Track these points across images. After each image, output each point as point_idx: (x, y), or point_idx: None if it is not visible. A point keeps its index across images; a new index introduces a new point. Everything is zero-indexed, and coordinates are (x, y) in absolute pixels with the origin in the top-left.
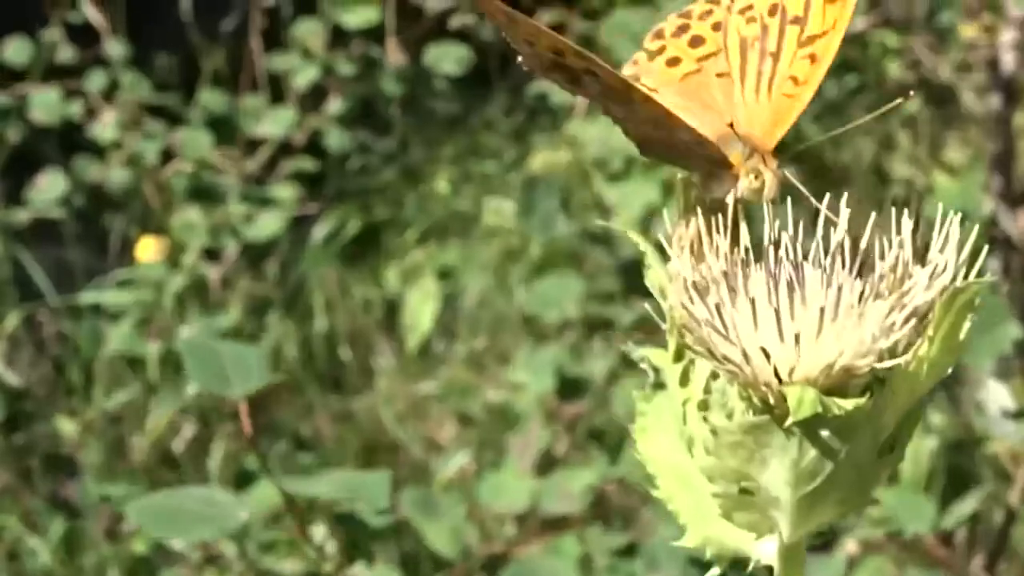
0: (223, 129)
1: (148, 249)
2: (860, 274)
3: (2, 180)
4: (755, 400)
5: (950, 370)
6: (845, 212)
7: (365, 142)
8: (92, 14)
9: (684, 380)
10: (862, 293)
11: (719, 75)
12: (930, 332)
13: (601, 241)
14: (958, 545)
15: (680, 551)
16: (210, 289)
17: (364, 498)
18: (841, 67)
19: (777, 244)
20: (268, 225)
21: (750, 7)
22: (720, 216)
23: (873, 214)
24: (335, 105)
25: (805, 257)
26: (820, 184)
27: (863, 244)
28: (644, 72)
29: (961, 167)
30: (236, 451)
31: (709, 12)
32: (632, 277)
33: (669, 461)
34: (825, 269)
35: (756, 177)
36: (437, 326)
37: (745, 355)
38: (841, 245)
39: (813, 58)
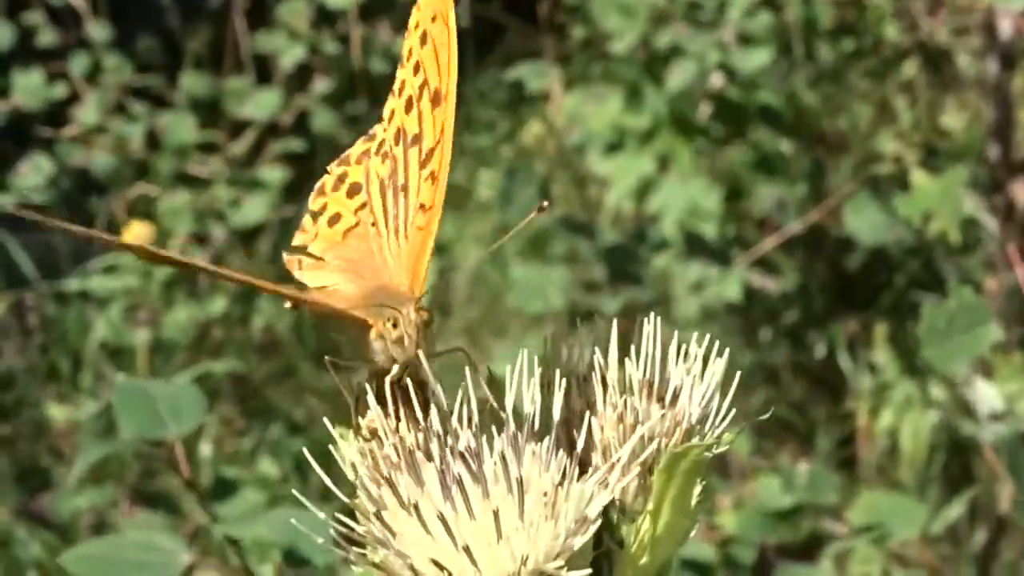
0: (208, 111)
1: (135, 234)
2: (570, 430)
3: None
4: None
5: (693, 532)
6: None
7: (354, 115)
8: None
9: None
10: (556, 480)
11: (373, 224)
12: (650, 506)
13: (583, 229)
14: (958, 525)
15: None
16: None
17: (305, 539)
18: (838, 31)
19: (448, 428)
20: (255, 209)
21: (382, 143)
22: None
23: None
24: (322, 85)
25: (494, 434)
26: (819, 151)
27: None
28: (311, 237)
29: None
30: (226, 436)
31: (366, 153)
32: (616, 264)
33: None
34: (508, 453)
35: (394, 326)
36: (431, 300)
37: (413, 569)
38: (535, 415)
39: (433, 178)
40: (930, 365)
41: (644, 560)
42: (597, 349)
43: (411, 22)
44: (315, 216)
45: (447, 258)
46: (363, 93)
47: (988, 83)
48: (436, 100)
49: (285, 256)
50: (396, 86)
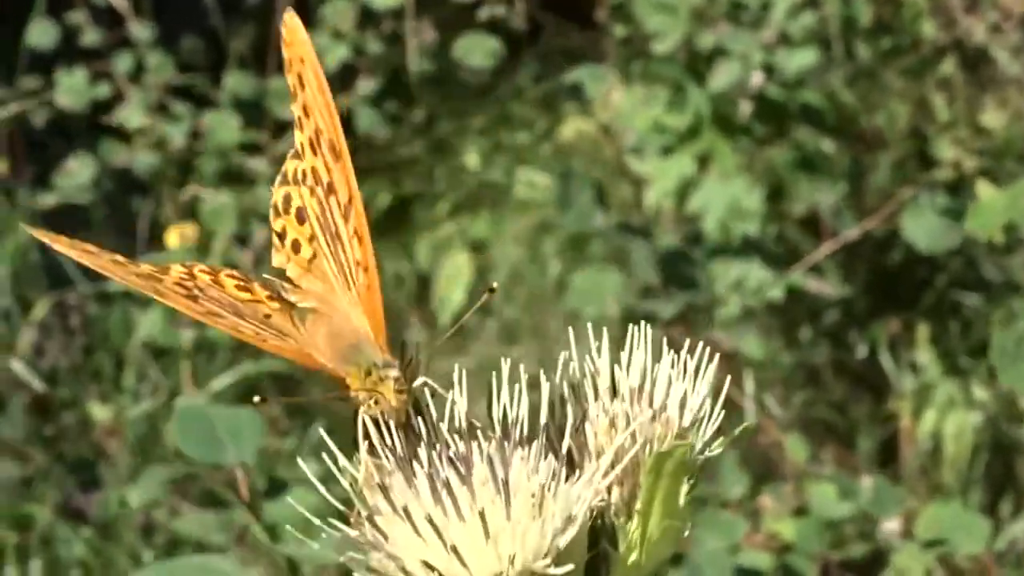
0: (251, 111)
1: (177, 235)
2: (561, 437)
3: (29, 164)
4: None
5: (686, 533)
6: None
7: (394, 114)
8: None
9: None
10: (543, 482)
11: (326, 259)
12: (639, 507)
13: (640, 232)
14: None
15: (726, 561)
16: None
17: None
18: (876, 29)
19: (438, 438)
20: None
21: (305, 174)
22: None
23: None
24: (365, 85)
25: (484, 439)
26: (857, 150)
27: (545, 411)
28: (283, 260)
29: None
30: (270, 435)
31: (296, 171)
32: (672, 268)
33: None
34: (496, 456)
35: (376, 402)
36: (469, 299)
37: (405, 571)
38: (523, 421)
39: (359, 237)
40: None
41: (636, 561)
42: (590, 355)
43: (285, 55)
44: (280, 238)
45: (484, 257)
46: (409, 93)
47: None
48: (335, 153)
49: (265, 277)
50: (296, 119)
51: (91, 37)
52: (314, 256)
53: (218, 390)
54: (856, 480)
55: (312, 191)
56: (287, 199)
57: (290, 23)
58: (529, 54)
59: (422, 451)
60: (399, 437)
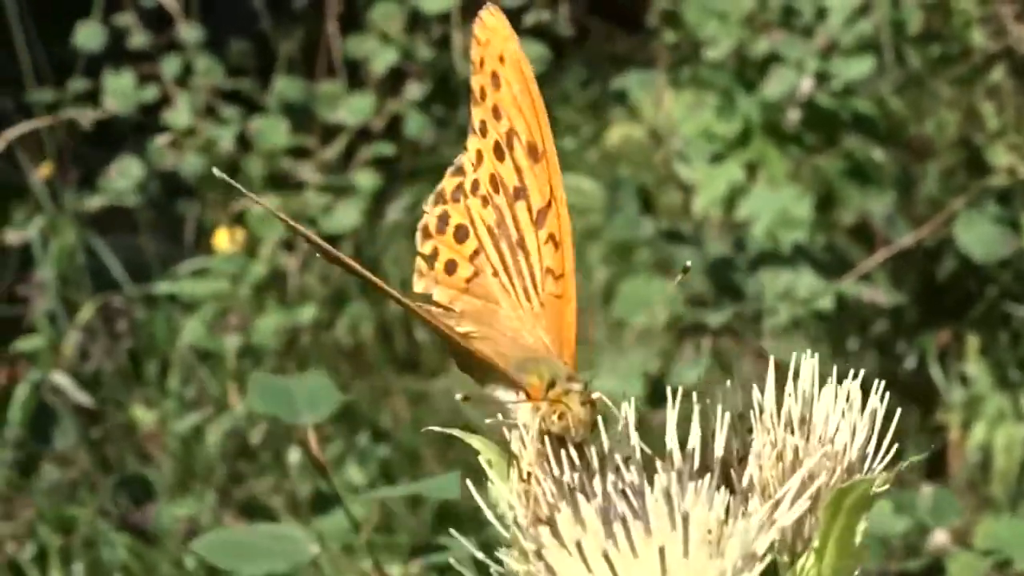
0: (299, 116)
1: (225, 239)
2: (728, 473)
3: (76, 166)
4: None
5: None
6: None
7: (441, 118)
8: None
9: None
10: (721, 517)
11: (495, 275)
12: (815, 544)
13: (689, 240)
14: None
15: None
16: (288, 279)
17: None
18: (925, 37)
19: (607, 466)
20: (347, 215)
21: (476, 184)
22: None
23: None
24: (414, 90)
25: (654, 470)
26: (905, 158)
27: (722, 444)
28: (431, 283)
29: None
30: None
31: (459, 190)
32: (723, 277)
33: None
34: (673, 488)
35: (559, 417)
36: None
37: None
38: (695, 449)
39: (554, 242)
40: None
41: None
42: (754, 386)
43: (474, 56)
44: (428, 260)
45: None
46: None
47: None
48: (534, 155)
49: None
50: (475, 124)
51: (139, 39)
52: (475, 274)
53: None
54: (910, 493)
55: (486, 201)
56: (443, 218)
57: (489, 21)
58: (575, 59)
59: (595, 484)
60: (571, 462)
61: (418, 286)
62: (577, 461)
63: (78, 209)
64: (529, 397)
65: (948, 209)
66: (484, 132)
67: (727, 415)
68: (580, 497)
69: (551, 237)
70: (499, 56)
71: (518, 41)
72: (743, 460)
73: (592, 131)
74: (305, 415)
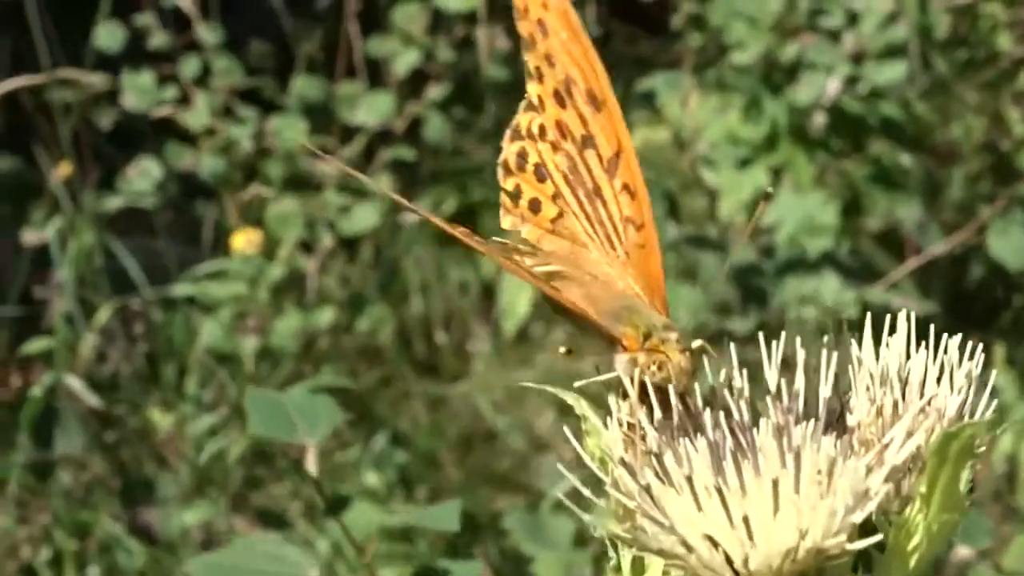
0: (319, 116)
1: (243, 241)
2: (830, 426)
3: (95, 166)
4: None
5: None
6: (802, 354)
7: (462, 120)
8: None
9: (639, 570)
10: (832, 454)
11: (576, 218)
12: (923, 489)
13: (712, 245)
14: None
15: None
16: (306, 281)
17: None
18: (952, 42)
19: (717, 404)
20: (365, 217)
21: (544, 129)
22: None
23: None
24: (436, 91)
25: (760, 414)
26: (932, 162)
27: (827, 389)
28: (518, 221)
29: None
30: (332, 447)
31: (531, 133)
32: (749, 284)
33: None
34: (782, 427)
35: (659, 367)
36: (535, 310)
37: (686, 545)
38: (800, 394)
39: (629, 192)
40: None
41: (916, 546)
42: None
43: (519, 5)
44: (512, 197)
45: None
46: (480, 99)
47: None
48: (595, 103)
49: (494, 240)
50: (531, 69)
51: (158, 40)
52: (560, 215)
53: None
54: None
55: (556, 147)
56: (522, 155)
57: None
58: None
59: (703, 418)
60: (679, 405)
61: (505, 222)
62: (680, 407)
63: (97, 210)
64: (625, 348)
65: (979, 217)
66: (541, 78)
67: (831, 364)
68: (687, 437)
69: (625, 187)
70: (543, 3)
71: None
72: (842, 416)
73: None
74: (304, 434)
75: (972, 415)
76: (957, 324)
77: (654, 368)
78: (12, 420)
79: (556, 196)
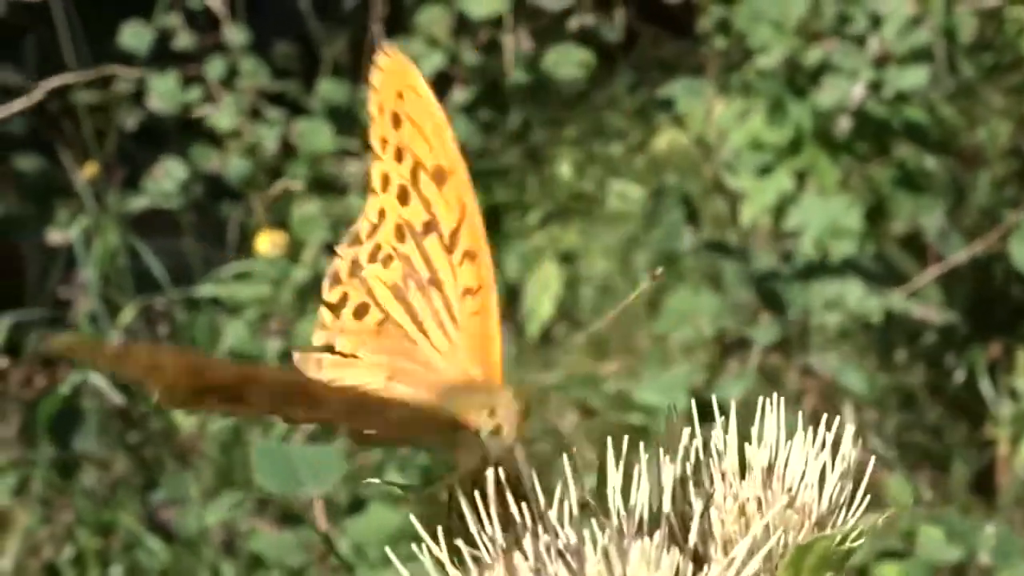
0: (343, 118)
1: (267, 242)
2: (675, 539)
3: (120, 167)
4: None
5: None
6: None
7: (487, 122)
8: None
9: None
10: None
11: (403, 332)
12: None
13: (733, 252)
14: None
15: None
16: None
17: None
18: (977, 46)
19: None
20: None
21: (377, 248)
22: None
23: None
24: (460, 95)
25: (596, 530)
26: (956, 166)
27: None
28: (335, 333)
29: None
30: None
31: (355, 263)
32: (770, 291)
33: None
34: (615, 546)
35: (490, 414)
36: (558, 312)
37: None
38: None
39: (470, 256)
40: None
41: None
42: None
43: (372, 108)
44: (334, 309)
45: (573, 269)
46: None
47: None
48: (440, 177)
49: (296, 356)
50: (376, 183)
51: (184, 41)
52: (386, 318)
53: None
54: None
55: (387, 261)
56: (356, 261)
57: (384, 63)
58: (625, 64)
59: (527, 545)
60: (505, 518)
61: (317, 338)
62: (509, 519)
63: (121, 210)
64: (464, 424)
65: (1003, 224)
66: (386, 184)
67: (681, 464)
68: (517, 557)
69: (466, 253)
70: (397, 93)
71: (416, 69)
72: (704, 512)
73: (639, 137)
74: (309, 487)
75: (848, 507)
76: (981, 329)
77: (485, 414)
78: (37, 419)
79: (383, 321)
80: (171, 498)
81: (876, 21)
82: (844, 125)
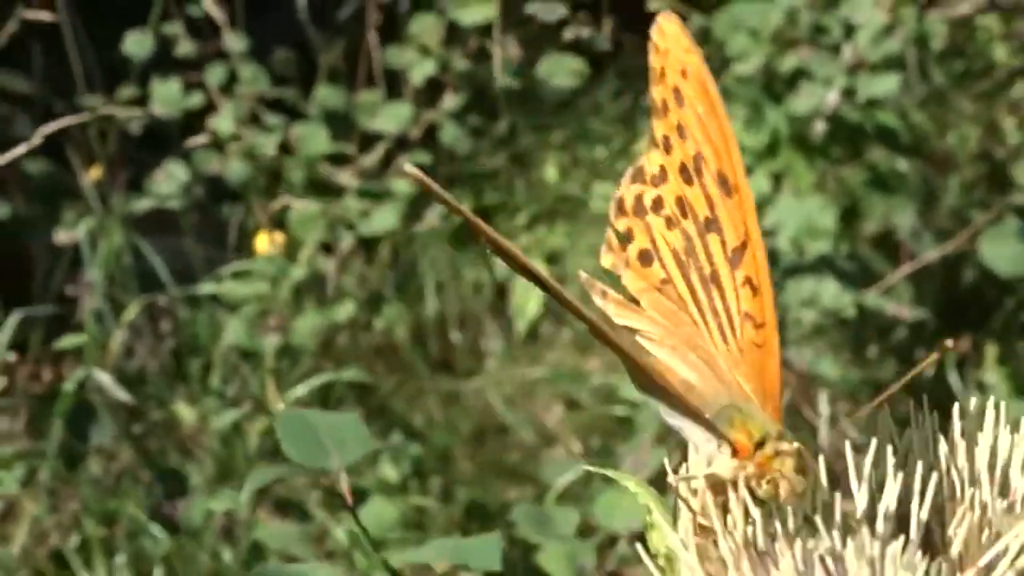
0: (340, 123)
1: (266, 242)
2: (926, 545)
3: (125, 169)
4: None
5: None
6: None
7: (476, 127)
8: (211, 8)
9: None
10: None
11: (682, 299)
12: None
13: None
14: None
15: None
16: (327, 282)
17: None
18: (948, 53)
19: (802, 525)
20: (384, 220)
21: (659, 201)
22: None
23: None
24: (451, 101)
25: (849, 532)
26: (928, 169)
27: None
28: (620, 265)
29: None
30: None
31: (639, 199)
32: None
33: None
34: (873, 549)
35: (769, 483)
36: (545, 310)
37: None
38: (895, 512)
39: (752, 287)
40: None
41: None
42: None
43: (653, 64)
44: (622, 240)
45: (559, 269)
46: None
47: None
48: (725, 187)
49: (583, 275)
50: (657, 137)
51: (186, 48)
52: (668, 280)
53: (299, 396)
54: None
55: (671, 222)
56: (639, 197)
57: (668, 28)
58: (610, 72)
59: (782, 547)
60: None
61: (605, 260)
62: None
63: (126, 211)
64: (735, 453)
65: (973, 225)
66: (668, 148)
67: (925, 471)
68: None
69: (748, 280)
70: (681, 70)
71: (700, 55)
72: (962, 519)
73: (623, 142)
74: (334, 458)
75: None
76: (951, 325)
77: (764, 483)
78: (44, 412)
79: (665, 281)
80: (175, 490)
81: (850, 30)
82: (819, 129)
